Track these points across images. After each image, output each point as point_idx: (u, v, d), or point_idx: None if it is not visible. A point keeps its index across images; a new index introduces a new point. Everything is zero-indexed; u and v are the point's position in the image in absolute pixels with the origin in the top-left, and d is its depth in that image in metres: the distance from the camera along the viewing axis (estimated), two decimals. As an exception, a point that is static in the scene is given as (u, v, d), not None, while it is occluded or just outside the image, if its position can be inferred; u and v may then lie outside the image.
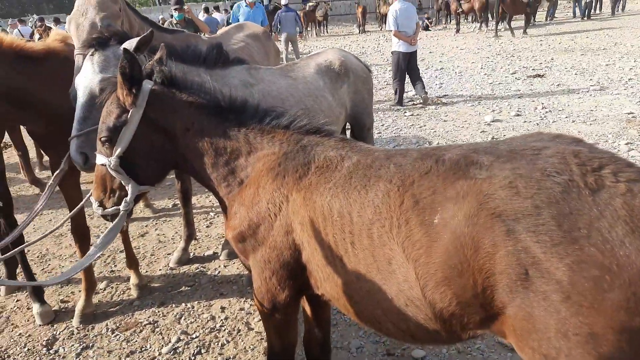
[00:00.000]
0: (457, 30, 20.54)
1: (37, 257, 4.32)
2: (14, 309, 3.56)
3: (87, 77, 2.33)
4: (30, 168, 6.11)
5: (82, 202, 2.64)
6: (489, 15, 19.77)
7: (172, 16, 7.70)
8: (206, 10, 14.80)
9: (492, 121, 7.31)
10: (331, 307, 2.37)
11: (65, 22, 2.87)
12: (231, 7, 17.83)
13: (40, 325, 3.32)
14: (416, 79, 8.91)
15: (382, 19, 26.06)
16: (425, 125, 7.49)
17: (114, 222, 1.93)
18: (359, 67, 3.44)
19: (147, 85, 1.87)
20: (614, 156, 1.27)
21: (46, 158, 7.08)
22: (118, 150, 1.84)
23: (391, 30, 8.41)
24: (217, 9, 19.32)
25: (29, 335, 3.23)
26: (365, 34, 24.47)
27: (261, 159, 1.83)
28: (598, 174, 1.20)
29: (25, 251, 3.65)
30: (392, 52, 8.90)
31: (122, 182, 1.91)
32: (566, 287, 1.12)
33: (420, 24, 8.40)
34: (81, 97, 2.34)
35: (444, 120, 7.70)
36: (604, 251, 1.09)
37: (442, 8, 24.52)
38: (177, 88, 1.92)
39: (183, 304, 3.45)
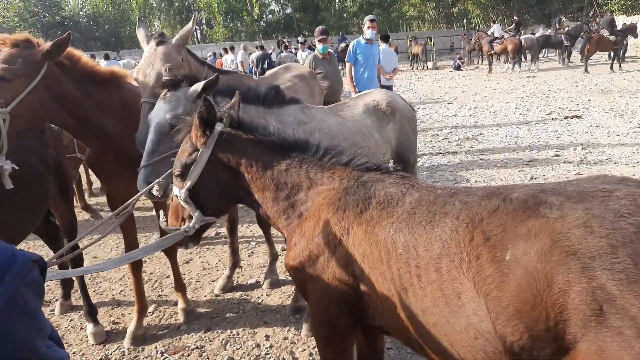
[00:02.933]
0: (490, 71, 20.70)
1: (89, 279, 4.52)
2: (68, 328, 3.73)
3: (158, 114, 2.54)
4: (82, 195, 6.45)
5: (115, 224, 2.85)
6: (522, 57, 19.90)
7: (310, 48, 7.87)
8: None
9: (530, 161, 7.30)
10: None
11: (113, 59, 3.15)
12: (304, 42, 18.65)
13: (93, 344, 3.46)
14: None
15: (414, 58, 26.58)
16: (461, 163, 7.54)
17: (170, 235, 2.11)
18: (404, 107, 3.59)
19: (218, 127, 2.06)
20: None
21: (95, 185, 7.46)
22: (187, 184, 2.04)
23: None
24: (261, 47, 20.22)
25: (83, 354, 3.37)
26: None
27: (321, 193, 1.95)
28: None
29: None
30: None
31: (190, 212, 2.09)
32: None
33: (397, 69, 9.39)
34: (152, 132, 2.55)
35: (481, 159, 7.73)
36: None
37: (475, 49, 24.80)
38: (244, 130, 2.11)
39: (228, 330, 3.54)
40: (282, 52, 17.33)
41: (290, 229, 2.02)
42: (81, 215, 6.42)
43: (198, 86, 2.55)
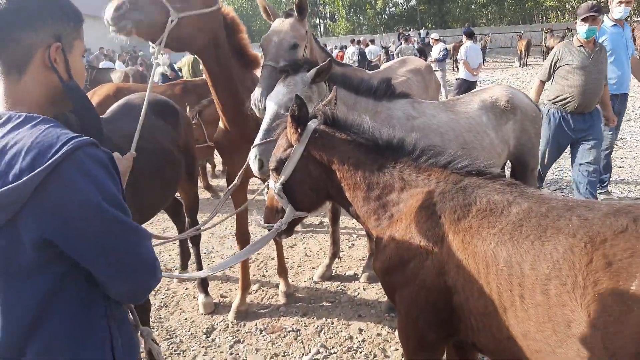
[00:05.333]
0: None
1: (204, 253, 4.95)
2: (183, 295, 4.12)
3: (277, 96, 2.66)
4: (206, 176, 7.08)
5: (244, 206, 3.07)
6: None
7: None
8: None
9: (683, 173, 6.26)
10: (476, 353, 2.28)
11: None
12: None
13: (202, 314, 3.79)
14: None
15: (549, 52, 24.26)
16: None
17: (266, 234, 2.20)
18: (528, 105, 3.29)
19: (312, 124, 2.08)
20: None
21: (218, 168, 8.12)
22: (281, 179, 2.09)
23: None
24: (372, 42, 20.17)
25: (193, 322, 3.71)
26: (527, 67, 23.01)
27: (415, 196, 1.87)
28: None
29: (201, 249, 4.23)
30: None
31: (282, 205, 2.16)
32: None
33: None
34: (268, 113, 2.68)
35: (619, 167, 6.82)
36: None
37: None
38: (337, 127, 2.09)
39: (324, 318, 3.62)
40: (401, 44, 17.04)
41: (379, 230, 1.98)
42: (203, 195, 7.05)
43: (313, 71, 2.62)
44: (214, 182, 7.53)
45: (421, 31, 24.74)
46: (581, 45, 4.40)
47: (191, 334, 3.56)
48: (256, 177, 2.85)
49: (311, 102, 2.53)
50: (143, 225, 1.61)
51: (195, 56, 3.32)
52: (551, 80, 4.62)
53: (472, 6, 42.78)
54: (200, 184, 7.10)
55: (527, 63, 24.03)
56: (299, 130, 2.05)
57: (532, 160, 3.35)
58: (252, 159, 2.69)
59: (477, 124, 3.05)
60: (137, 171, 2.68)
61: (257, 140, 2.67)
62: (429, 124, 2.95)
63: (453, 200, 1.74)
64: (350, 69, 3.80)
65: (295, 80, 2.63)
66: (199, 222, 4.13)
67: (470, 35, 10.16)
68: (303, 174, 2.09)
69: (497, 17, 43.24)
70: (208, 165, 7.70)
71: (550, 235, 1.44)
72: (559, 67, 4.48)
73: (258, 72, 3.24)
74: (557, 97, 4.54)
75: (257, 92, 2.93)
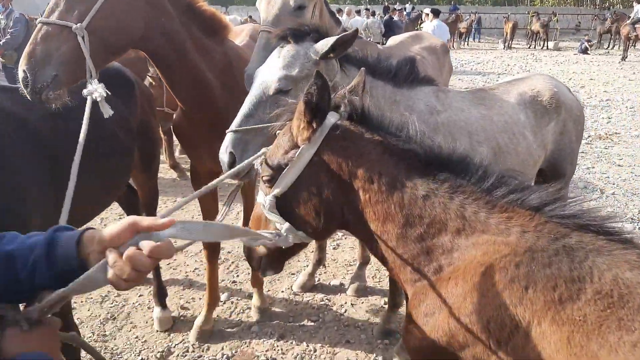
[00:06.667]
0: (624, 58, 17.92)
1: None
2: (136, 305, 3.43)
3: (267, 71, 1.96)
4: (172, 151, 6.24)
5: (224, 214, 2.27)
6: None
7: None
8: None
9: (687, 176, 5.89)
10: None
11: (229, 14, 2.61)
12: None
13: (157, 331, 3.13)
14: None
15: (533, 36, 23.90)
16: (593, 168, 6.30)
17: (261, 236, 1.48)
18: (573, 102, 2.69)
19: (331, 118, 1.43)
20: None
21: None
22: (276, 191, 1.45)
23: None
24: (358, 12, 19.17)
25: (145, 341, 3.05)
26: (511, 50, 22.58)
27: (481, 246, 1.25)
28: None
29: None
30: None
31: (275, 226, 1.51)
32: None
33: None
34: (252, 92, 1.98)
35: (618, 165, 6.41)
36: None
37: (610, 31, 21.62)
38: (367, 126, 1.45)
39: (304, 343, 3.02)
40: (368, 18, 15.98)
41: (419, 288, 1.35)
42: (169, 174, 6.23)
43: (327, 42, 1.91)
44: (181, 160, 6.71)
45: (407, 5, 23.72)
46: None
47: (141, 358, 2.90)
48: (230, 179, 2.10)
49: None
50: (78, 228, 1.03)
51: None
52: None
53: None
54: (164, 161, 6.28)
55: (512, 46, 23.61)
56: (314, 124, 1.39)
57: (570, 167, 2.77)
58: (222, 151, 2.01)
59: (514, 123, 2.43)
60: (62, 161, 1.96)
61: (233, 126, 1.98)
62: (455, 120, 2.31)
63: (551, 267, 1.12)
64: (359, 42, 3.07)
65: (295, 51, 1.94)
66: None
67: (437, 14, 10.34)
68: (309, 188, 1.45)
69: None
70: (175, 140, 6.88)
71: None
72: None
73: (237, 41, 2.51)
74: None
75: (251, 65, 2.26)
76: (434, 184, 1.33)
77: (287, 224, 1.48)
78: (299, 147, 1.43)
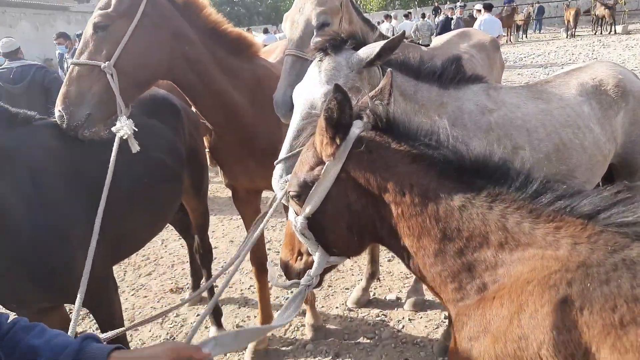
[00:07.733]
0: None
1: (221, 266, 4.30)
2: (193, 324, 3.47)
3: (311, 88, 1.89)
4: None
5: (252, 236, 2.19)
6: None
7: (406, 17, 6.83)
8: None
9: None
10: None
11: (272, 33, 2.59)
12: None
13: (214, 351, 3.14)
14: None
15: (599, 21, 22.35)
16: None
17: (294, 296, 1.52)
18: (642, 88, 2.40)
19: (355, 130, 1.34)
20: None
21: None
22: (306, 210, 1.39)
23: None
24: (406, 16, 18.83)
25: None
26: (575, 39, 21.23)
27: (527, 261, 1.11)
28: None
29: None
30: None
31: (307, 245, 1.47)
32: None
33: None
34: (297, 113, 1.92)
35: None
36: None
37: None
38: (394, 135, 1.34)
39: (360, 362, 2.90)
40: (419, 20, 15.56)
41: (461, 308, 1.22)
42: (226, 192, 6.37)
43: (372, 49, 1.81)
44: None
45: (458, 3, 23.03)
46: None
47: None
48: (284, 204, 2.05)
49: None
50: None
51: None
52: None
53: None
54: (218, 177, 6.43)
55: (575, 34, 22.20)
56: (338, 140, 1.31)
57: (643, 161, 2.47)
58: (276, 180, 1.96)
59: (577, 115, 2.21)
60: (114, 193, 2.01)
61: (283, 154, 1.93)
62: (511, 118, 2.13)
63: (610, 283, 0.96)
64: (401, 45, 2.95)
65: (336, 62, 1.85)
66: (210, 240, 3.48)
67: (489, 8, 10.06)
68: (338, 206, 1.38)
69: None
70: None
71: None
72: None
73: (267, 57, 2.48)
74: None
75: (279, 91, 2.23)
76: (470, 193, 1.21)
77: (319, 251, 1.44)
78: (324, 163, 1.36)
